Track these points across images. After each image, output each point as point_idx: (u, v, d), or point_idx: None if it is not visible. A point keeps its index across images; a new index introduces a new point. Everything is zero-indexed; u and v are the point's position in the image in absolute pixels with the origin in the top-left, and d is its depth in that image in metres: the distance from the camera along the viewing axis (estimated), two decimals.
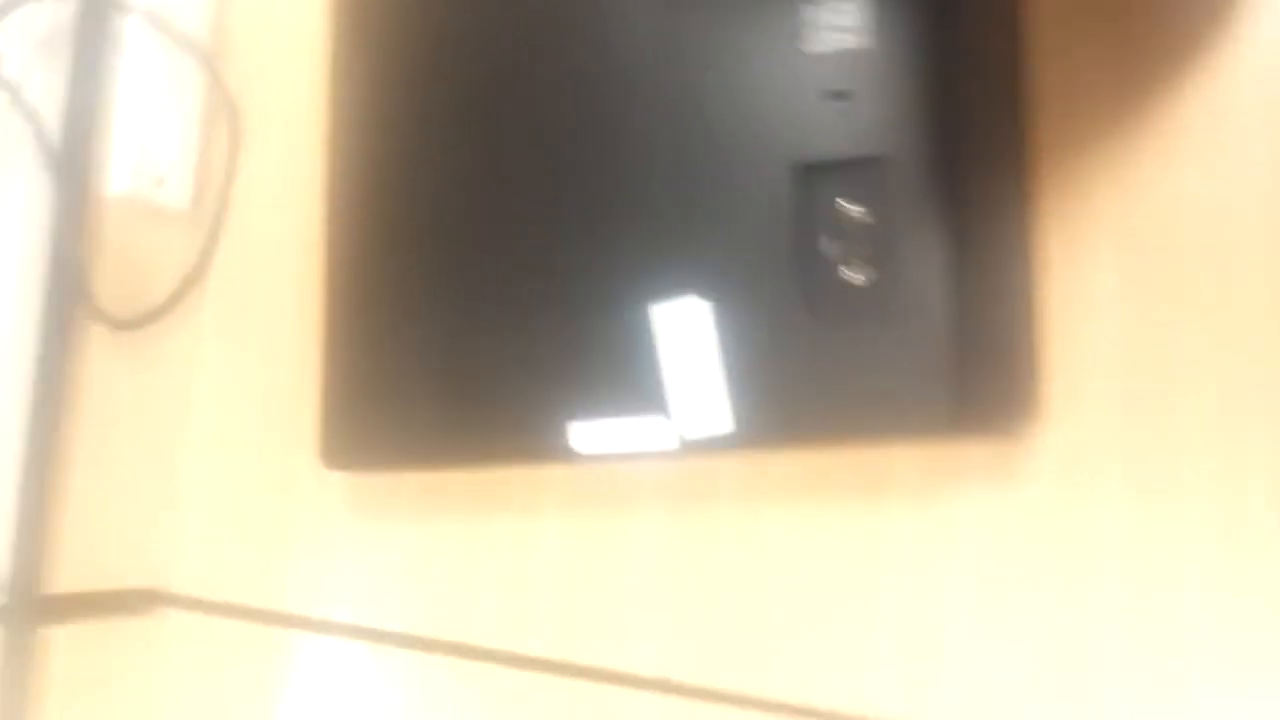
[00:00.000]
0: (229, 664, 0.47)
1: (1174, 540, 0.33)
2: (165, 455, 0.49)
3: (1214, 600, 0.32)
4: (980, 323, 0.33)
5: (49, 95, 0.46)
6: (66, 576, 0.46)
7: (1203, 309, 0.33)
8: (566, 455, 0.37)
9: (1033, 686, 0.34)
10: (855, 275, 0.34)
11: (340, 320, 0.42)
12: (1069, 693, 0.33)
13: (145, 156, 0.47)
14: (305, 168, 0.45)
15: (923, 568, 0.36)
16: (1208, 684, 0.32)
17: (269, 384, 0.48)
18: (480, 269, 0.39)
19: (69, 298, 0.46)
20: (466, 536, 0.43)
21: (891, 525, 0.36)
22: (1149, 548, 0.33)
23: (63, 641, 0.46)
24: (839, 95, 0.33)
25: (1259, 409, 0.32)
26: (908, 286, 0.32)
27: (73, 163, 0.46)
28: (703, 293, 0.35)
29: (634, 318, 0.36)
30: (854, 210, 0.34)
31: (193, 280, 0.49)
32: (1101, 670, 0.33)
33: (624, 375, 0.36)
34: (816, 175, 0.34)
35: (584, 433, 0.36)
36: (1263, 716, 0.31)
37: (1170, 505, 0.33)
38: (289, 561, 0.47)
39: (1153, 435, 0.33)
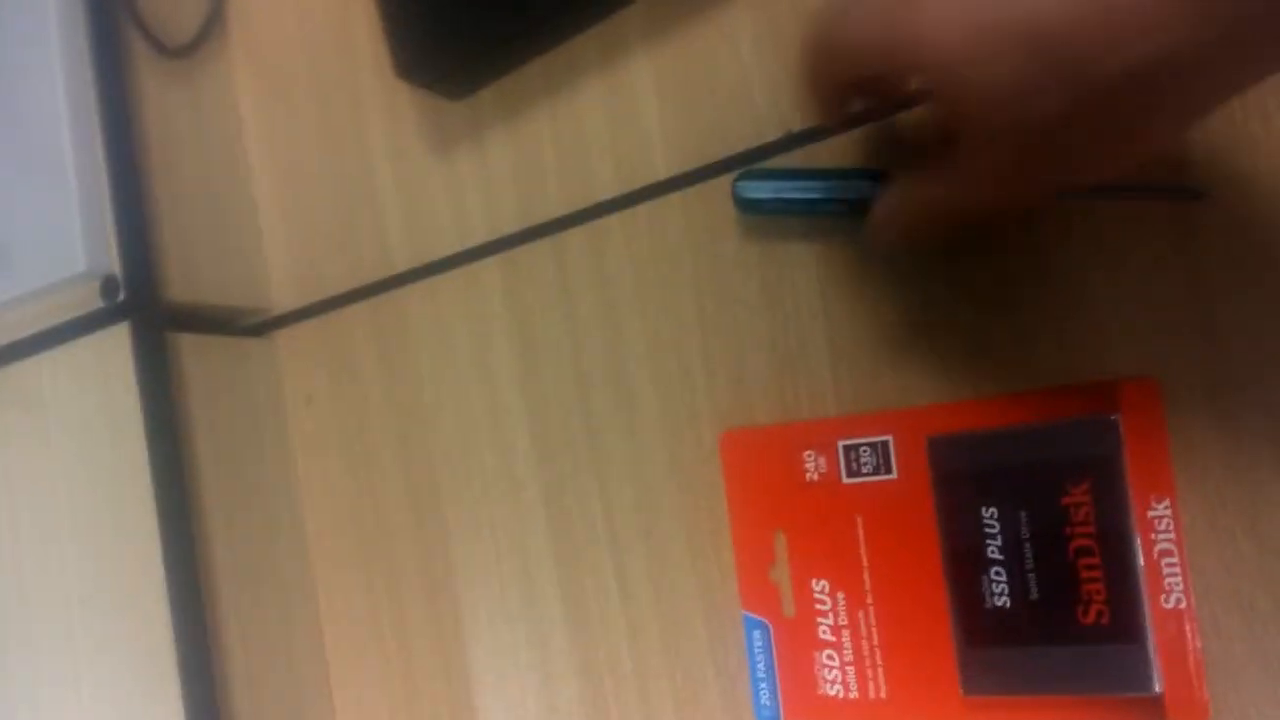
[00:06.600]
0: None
1: None
2: (237, 175, 0.53)
3: None
4: None
5: None
6: (178, 295, 0.48)
7: None
8: None
9: None
10: None
11: None
12: None
13: None
14: None
15: None
16: None
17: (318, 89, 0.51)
18: None
19: (119, 25, 0.48)
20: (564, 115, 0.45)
21: None
22: None
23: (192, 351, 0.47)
24: None
25: None
26: None
27: None
28: None
29: None
30: None
31: (217, 11, 0.53)
32: None
33: None
34: None
35: None
36: None
37: None
38: (386, 228, 0.49)
39: None
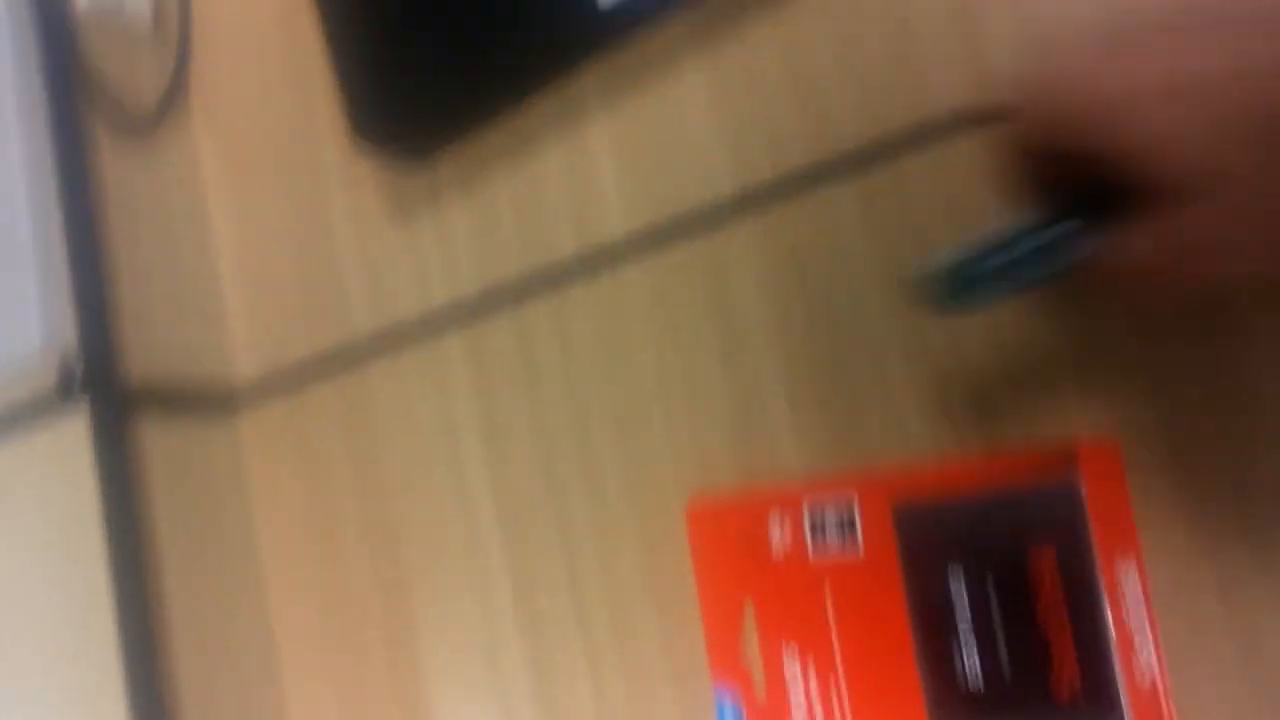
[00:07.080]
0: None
1: None
2: (200, 248, 0.53)
3: None
4: None
5: None
6: (139, 369, 0.47)
7: None
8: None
9: None
10: None
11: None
12: None
13: None
14: None
15: None
16: None
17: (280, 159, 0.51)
18: None
19: (79, 102, 0.47)
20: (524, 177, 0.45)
21: None
22: None
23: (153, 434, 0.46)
24: None
25: None
26: None
27: None
28: None
29: None
30: None
31: (178, 85, 0.53)
32: None
33: None
34: None
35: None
36: None
37: None
38: (349, 296, 0.49)
39: None
